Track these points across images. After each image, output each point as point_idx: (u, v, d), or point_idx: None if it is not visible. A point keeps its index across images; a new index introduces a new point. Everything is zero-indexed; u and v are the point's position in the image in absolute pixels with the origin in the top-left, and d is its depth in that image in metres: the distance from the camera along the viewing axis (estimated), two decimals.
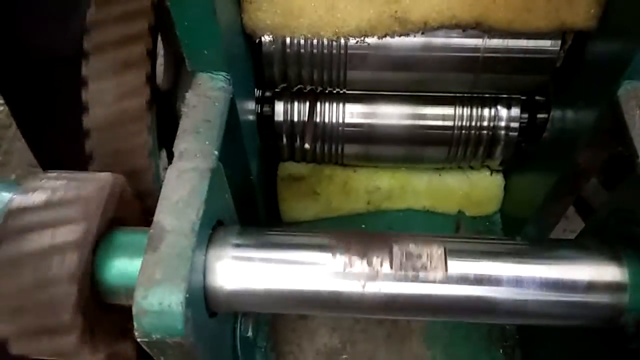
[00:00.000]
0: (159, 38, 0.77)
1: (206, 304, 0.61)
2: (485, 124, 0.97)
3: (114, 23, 0.68)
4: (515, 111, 0.97)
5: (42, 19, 1.33)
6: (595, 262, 0.60)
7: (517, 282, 0.59)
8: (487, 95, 0.95)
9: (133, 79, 0.68)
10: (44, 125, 1.62)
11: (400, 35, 0.74)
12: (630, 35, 0.65)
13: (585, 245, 0.63)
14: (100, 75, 0.69)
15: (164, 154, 0.91)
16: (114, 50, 0.68)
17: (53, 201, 0.58)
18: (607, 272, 0.60)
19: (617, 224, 0.64)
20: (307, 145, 0.88)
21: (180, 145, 0.64)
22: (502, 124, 0.97)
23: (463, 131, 0.98)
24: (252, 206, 0.96)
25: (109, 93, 0.69)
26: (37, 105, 1.56)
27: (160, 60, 0.79)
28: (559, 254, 0.61)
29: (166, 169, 0.62)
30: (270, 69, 0.87)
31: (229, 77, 0.69)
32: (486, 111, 0.97)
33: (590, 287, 0.59)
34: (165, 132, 0.78)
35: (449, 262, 0.59)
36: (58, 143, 1.65)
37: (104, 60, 0.69)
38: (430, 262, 0.57)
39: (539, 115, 0.94)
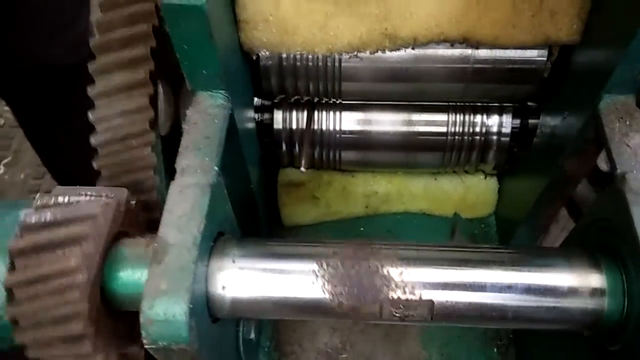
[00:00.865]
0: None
1: (209, 311, 0.65)
2: (477, 129, 1.00)
3: (117, 47, 0.72)
4: (507, 117, 0.99)
5: (42, 30, 1.40)
6: (576, 270, 0.63)
7: (501, 289, 0.63)
8: (478, 104, 0.98)
9: (137, 99, 0.72)
10: (48, 129, 1.68)
11: (391, 51, 0.77)
12: (610, 50, 0.68)
13: (567, 254, 0.66)
14: (106, 96, 0.73)
15: None
16: (118, 72, 0.72)
17: (63, 219, 0.62)
18: (587, 279, 0.63)
19: (597, 232, 0.67)
20: (302, 169, 0.92)
21: (182, 161, 0.67)
22: (494, 129, 1.00)
23: (456, 137, 1.01)
24: (254, 211, 1.00)
25: (115, 113, 0.73)
26: (40, 110, 1.62)
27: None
28: (541, 262, 0.64)
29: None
30: (268, 82, 0.90)
31: (227, 95, 0.73)
32: (478, 117, 1.00)
33: (571, 293, 0.62)
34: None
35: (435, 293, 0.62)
36: (62, 145, 1.70)
37: (108, 81, 0.72)
38: (417, 309, 0.61)
39: (530, 121, 0.97)
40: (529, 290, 0.63)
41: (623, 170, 0.63)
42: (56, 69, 1.46)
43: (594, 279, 0.63)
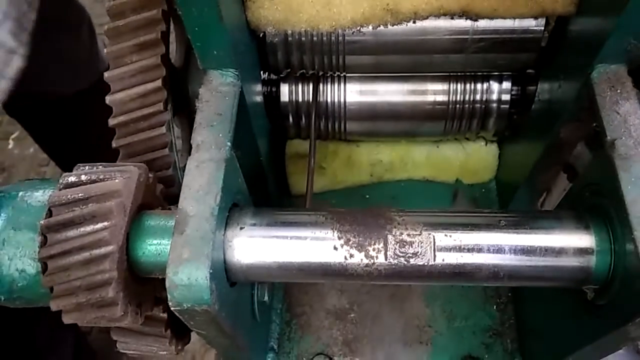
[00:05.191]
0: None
1: (227, 276, 0.71)
2: (478, 97, 1.03)
3: (130, 34, 0.76)
4: (507, 84, 1.02)
5: (67, 67, 1.66)
6: (567, 231, 0.68)
7: (497, 250, 0.67)
8: (479, 73, 1.01)
9: (150, 83, 0.76)
10: (68, 148, 1.90)
11: (393, 25, 0.80)
12: (602, 21, 0.70)
13: (559, 216, 0.70)
14: (120, 82, 0.77)
15: None
16: (131, 58, 0.76)
17: (89, 194, 0.67)
18: (577, 239, 0.67)
19: (589, 195, 0.71)
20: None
21: (197, 138, 0.72)
22: (494, 97, 1.03)
23: (458, 105, 1.04)
24: (263, 182, 1.05)
25: (130, 96, 0.77)
26: (61, 133, 1.88)
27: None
28: (535, 224, 0.69)
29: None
30: (275, 57, 0.94)
31: (237, 73, 0.76)
32: (479, 85, 1.03)
33: (562, 252, 0.67)
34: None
35: (436, 237, 0.67)
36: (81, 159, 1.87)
37: (123, 67, 0.76)
38: (421, 249, 0.66)
39: (529, 88, 1.00)
40: (524, 250, 0.67)
41: (612, 136, 0.67)
42: (75, 94, 1.71)
43: (584, 239, 0.67)
